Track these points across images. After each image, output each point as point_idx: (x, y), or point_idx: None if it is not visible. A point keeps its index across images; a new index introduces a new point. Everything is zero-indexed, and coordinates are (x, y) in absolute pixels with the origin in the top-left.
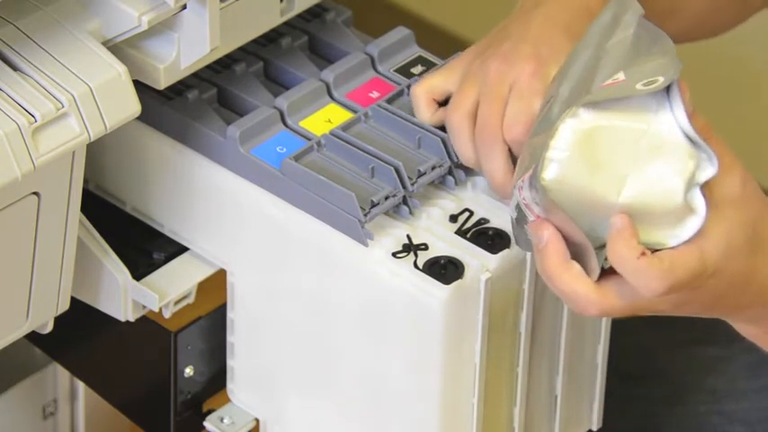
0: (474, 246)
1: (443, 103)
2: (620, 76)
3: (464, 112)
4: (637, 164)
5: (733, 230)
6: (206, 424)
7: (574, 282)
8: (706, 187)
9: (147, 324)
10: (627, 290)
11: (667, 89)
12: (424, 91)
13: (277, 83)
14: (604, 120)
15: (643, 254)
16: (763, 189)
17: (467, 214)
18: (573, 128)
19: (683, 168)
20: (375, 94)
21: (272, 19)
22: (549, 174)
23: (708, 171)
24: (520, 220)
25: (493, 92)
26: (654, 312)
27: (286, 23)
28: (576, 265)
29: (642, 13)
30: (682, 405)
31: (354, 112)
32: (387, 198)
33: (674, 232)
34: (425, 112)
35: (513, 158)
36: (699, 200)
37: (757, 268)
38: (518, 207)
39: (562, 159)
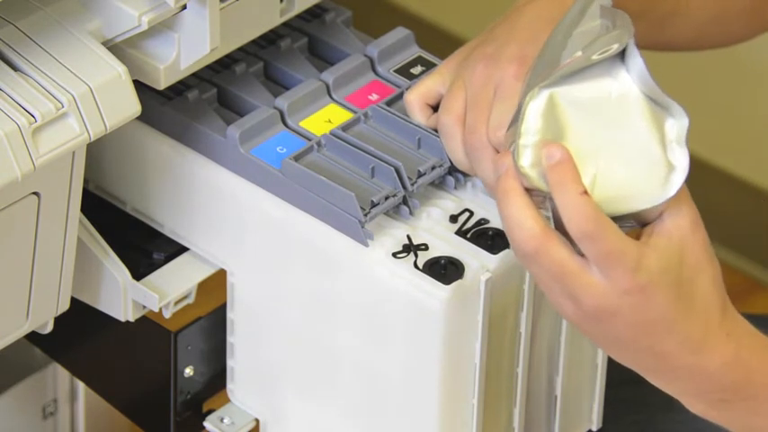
0: (474, 246)
1: (438, 106)
2: (578, 53)
3: (453, 117)
4: (607, 133)
5: (671, 260)
6: (206, 424)
7: (526, 209)
8: (659, 223)
9: (147, 324)
10: (570, 248)
11: (623, 56)
12: (417, 96)
13: (277, 83)
14: (567, 96)
15: (585, 192)
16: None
17: (467, 214)
18: (537, 110)
19: (653, 127)
20: (374, 97)
21: (271, 19)
22: (526, 160)
23: (681, 122)
24: None
25: (478, 96)
26: (577, 314)
27: (286, 24)
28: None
29: (608, 2)
30: (681, 411)
31: (354, 112)
32: (387, 198)
33: (658, 194)
34: (420, 118)
35: None
36: (680, 154)
37: (686, 320)
38: None
39: (534, 143)
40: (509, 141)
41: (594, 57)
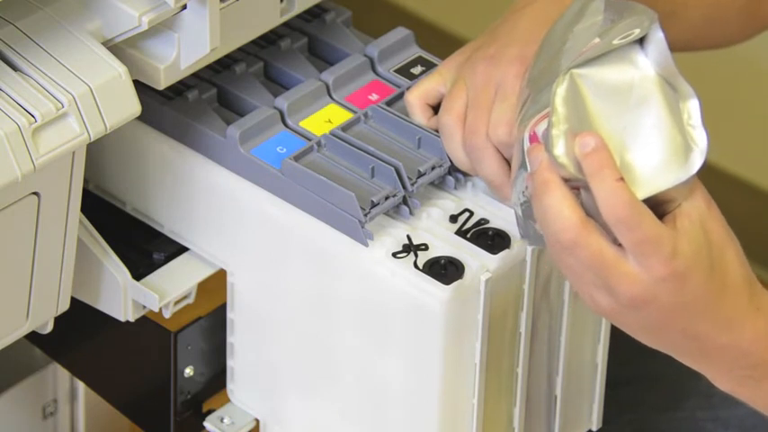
0: (474, 246)
1: (438, 106)
2: (596, 40)
3: (454, 117)
4: (628, 117)
5: (699, 241)
6: (206, 424)
7: (565, 199)
8: (677, 208)
9: (147, 324)
10: (607, 238)
11: (641, 41)
12: (417, 97)
13: (277, 83)
14: (589, 82)
15: (621, 179)
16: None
17: (467, 214)
18: (564, 97)
19: (671, 110)
20: (374, 97)
21: (271, 19)
22: (560, 149)
23: (693, 104)
24: (526, 212)
25: (479, 97)
26: (611, 305)
27: (286, 24)
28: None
29: None
30: (677, 410)
31: (354, 112)
32: (387, 198)
33: (679, 175)
34: (421, 118)
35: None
36: (696, 135)
37: (720, 299)
38: (525, 202)
39: (565, 132)
40: (522, 130)
41: (616, 41)
